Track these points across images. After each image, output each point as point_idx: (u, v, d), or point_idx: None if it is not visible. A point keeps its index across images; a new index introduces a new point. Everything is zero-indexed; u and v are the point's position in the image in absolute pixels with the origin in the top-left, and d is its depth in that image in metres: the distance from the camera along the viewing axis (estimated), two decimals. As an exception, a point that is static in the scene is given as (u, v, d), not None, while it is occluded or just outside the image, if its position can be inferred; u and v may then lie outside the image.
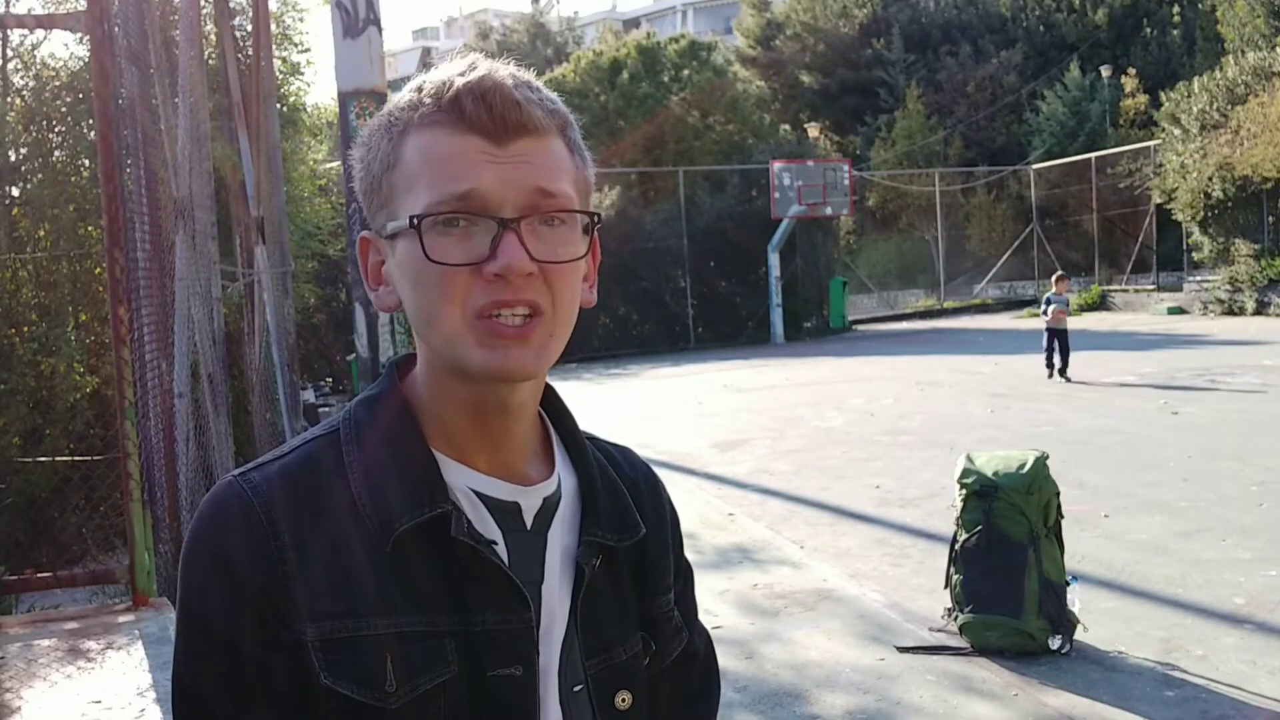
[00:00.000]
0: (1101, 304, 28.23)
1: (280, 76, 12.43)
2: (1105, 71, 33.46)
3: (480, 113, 0.95)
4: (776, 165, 25.83)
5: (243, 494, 0.97)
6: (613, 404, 15.89)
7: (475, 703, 0.95)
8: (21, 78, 9.07)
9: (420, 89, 0.99)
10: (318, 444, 1.02)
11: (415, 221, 0.95)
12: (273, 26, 11.14)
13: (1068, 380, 14.46)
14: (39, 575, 6.42)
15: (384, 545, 0.95)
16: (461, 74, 0.97)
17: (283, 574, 0.94)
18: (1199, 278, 25.49)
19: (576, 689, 1.02)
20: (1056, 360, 14.72)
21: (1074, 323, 25.44)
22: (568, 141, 1.01)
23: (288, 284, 8.77)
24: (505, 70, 0.99)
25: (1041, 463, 5.28)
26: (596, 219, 1.03)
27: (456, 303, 0.95)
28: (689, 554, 1.28)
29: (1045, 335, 14.88)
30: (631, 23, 62.52)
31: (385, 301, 1.03)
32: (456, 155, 0.96)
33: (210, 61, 9.05)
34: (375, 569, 0.95)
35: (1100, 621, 5.37)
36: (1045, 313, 14.98)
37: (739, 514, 8.21)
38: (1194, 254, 25.92)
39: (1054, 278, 16.50)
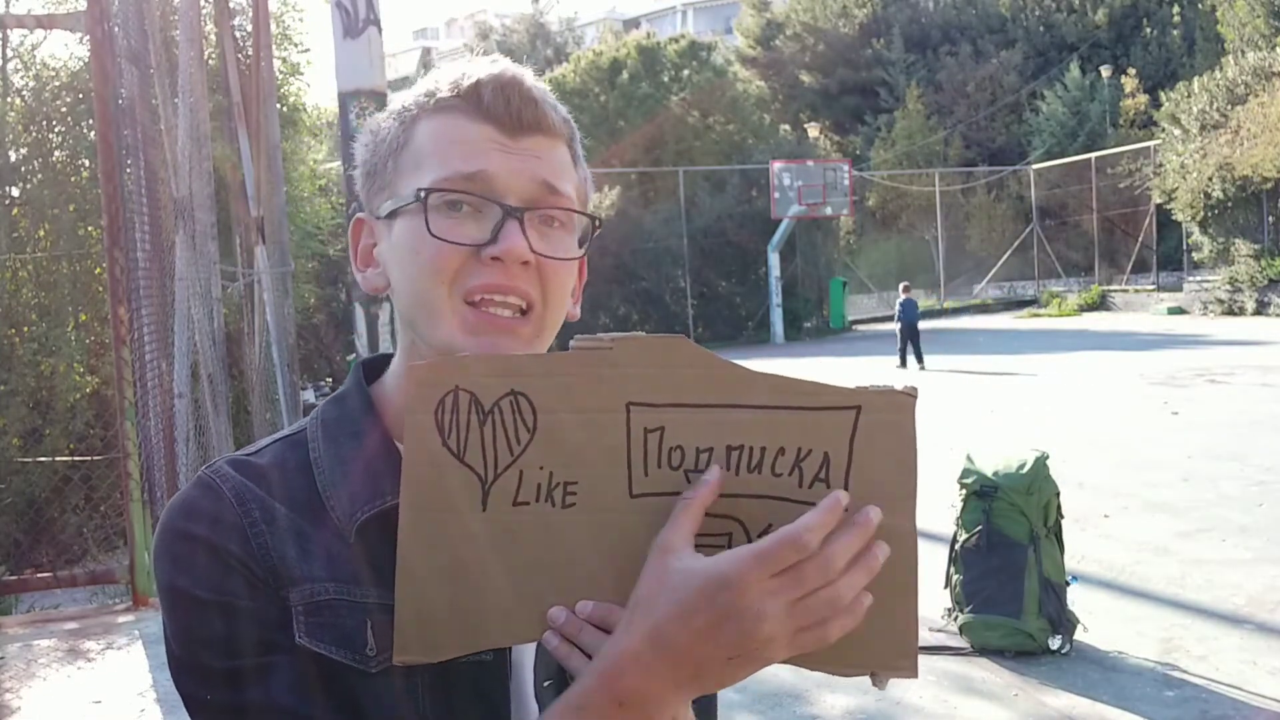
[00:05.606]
0: (1101, 304, 28.24)
1: (280, 76, 12.42)
2: (1105, 71, 33.48)
3: (498, 103, 0.98)
4: (776, 165, 25.84)
5: (211, 482, 0.98)
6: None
7: (447, 683, 0.95)
8: (21, 78, 9.08)
9: (437, 79, 1.02)
10: (285, 443, 1.04)
11: (422, 194, 0.96)
12: (273, 26, 11.14)
13: (921, 369, 17.28)
14: (39, 575, 6.42)
15: (348, 536, 0.96)
16: (485, 66, 1.01)
17: (257, 546, 0.95)
18: (1199, 278, 25.51)
19: (546, 684, 1.01)
20: (910, 359, 17.72)
21: (1074, 323, 25.56)
22: (572, 152, 1.04)
23: (288, 284, 8.77)
24: (526, 70, 1.02)
25: (1041, 463, 5.28)
26: (596, 222, 1.05)
27: (446, 282, 0.96)
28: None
29: (900, 336, 17.93)
30: (631, 23, 62.51)
31: (373, 283, 1.05)
32: (469, 140, 0.98)
33: (210, 61, 9.05)
34: (344, 552, 0.96)
35: (1100, 621, 5.37)
36: (898, 319, 18.02)
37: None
38: (1194, 254, 25.93)
39: (901, 286, 19.38)
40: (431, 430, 0.87)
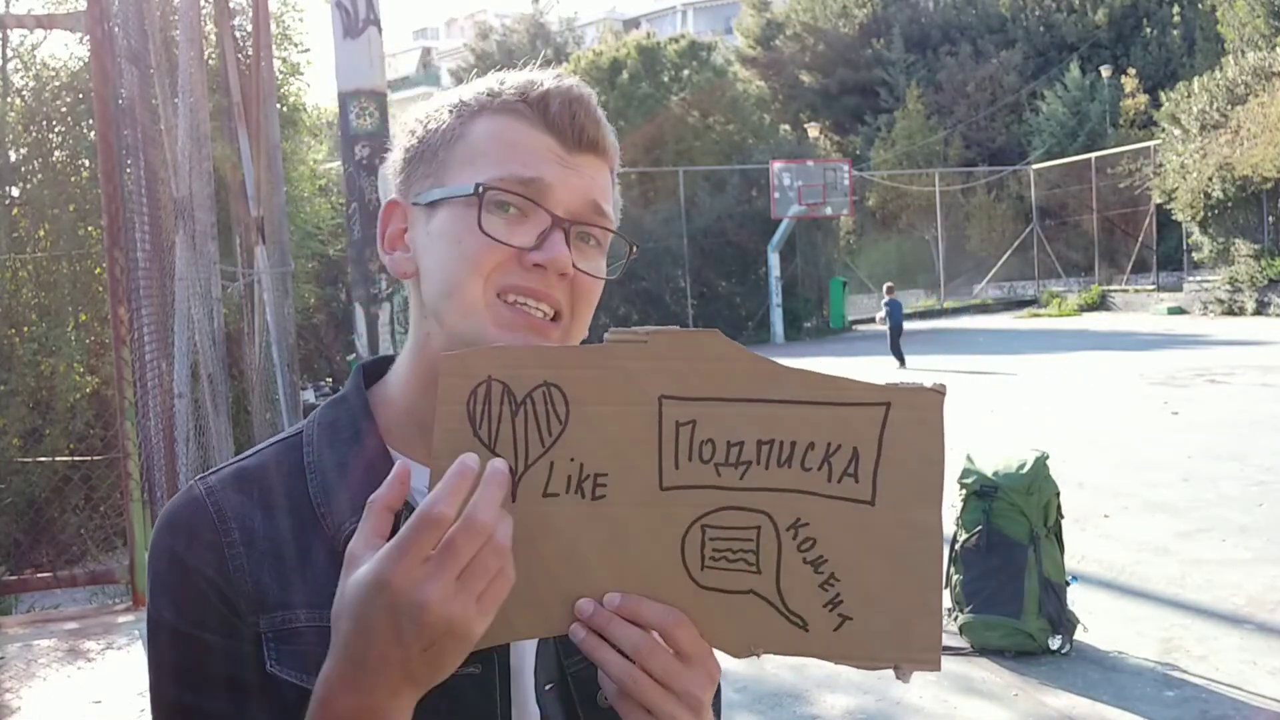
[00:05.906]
0: (1101, 304, 28.24)
1: (280, 76, 12.42)
2: (1105, 71, 33.48)
3: (564, 117, 1.00)
4: (776, 165, 25.84)
5: (199, 496, 0.99)
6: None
7: (434, 698, 0.95)
8: (21, 78, 9.08)
9: (502, 81, 1.04)
10: (280, 447, 1.04)
11: (480, 189, 0.98)
12: (273, 26, 11.14)
13: (901, 367, 17.72)
14: (39, 575, 6.42)
15: (338, 545, 0.96)
16: (553, 79, 1.03)
17: (232, 569, 0.95)
18: (1199, 278, 25.51)
19: (548, 687, 1.01)
20: (906, 357, 18.02)
21: (1074, 323, 25.57)
22: (613, 178, 1.07)
23: (288, 284, 8.77)
24: (591, 91, 1.05)
25: (1041, 463, 5.28)
26: (633, 249, 1.09)
27: (483, 276, 0.98)
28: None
29: (889, 336, 18.36)
30: (631, 23, 62.49)
31: (400, 267, 1.05)
32: (529, 146, 1.00)
33: (210, 61, 9.05)
34: (331, 565, 0.95)
35: (1100, 621, 5.38)
36: (886, 319, 18.48)
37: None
38: (1194, 254, 25.94)
39: (885, 287, 20.12)
40: (463, 420, 0.87)
